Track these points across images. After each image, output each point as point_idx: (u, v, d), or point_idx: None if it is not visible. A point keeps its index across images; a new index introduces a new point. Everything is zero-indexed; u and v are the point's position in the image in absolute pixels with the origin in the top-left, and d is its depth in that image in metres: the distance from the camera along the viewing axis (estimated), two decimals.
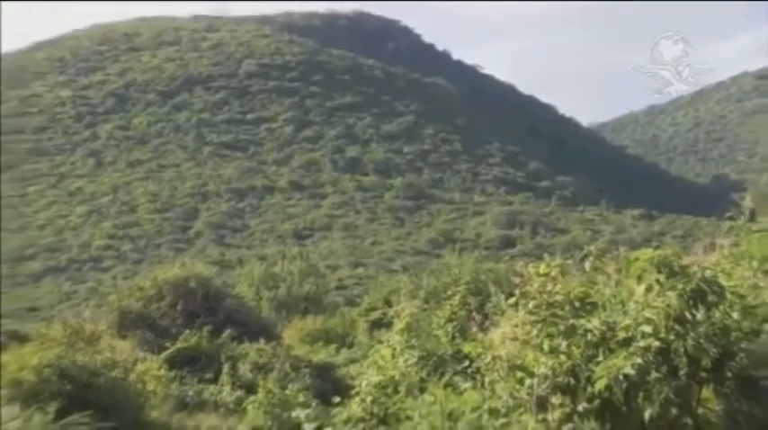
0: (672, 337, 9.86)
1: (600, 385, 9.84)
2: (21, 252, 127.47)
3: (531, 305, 10.75)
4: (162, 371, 41.59)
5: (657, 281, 10.18)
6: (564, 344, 10.31)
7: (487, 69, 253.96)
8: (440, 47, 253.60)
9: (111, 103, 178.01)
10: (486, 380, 12.01)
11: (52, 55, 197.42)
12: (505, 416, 11.17)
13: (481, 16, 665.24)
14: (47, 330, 42.28)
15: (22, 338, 42.07)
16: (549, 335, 10.43)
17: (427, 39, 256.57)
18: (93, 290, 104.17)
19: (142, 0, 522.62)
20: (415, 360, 14.84)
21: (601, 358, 10.04)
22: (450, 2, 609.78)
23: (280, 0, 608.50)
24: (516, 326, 11.31)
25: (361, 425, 13.41)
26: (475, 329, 14.74)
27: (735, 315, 10.12)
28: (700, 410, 10.03)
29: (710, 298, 10.02)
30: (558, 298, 10.63)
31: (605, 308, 10.50)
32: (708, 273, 10.31)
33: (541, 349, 10.46)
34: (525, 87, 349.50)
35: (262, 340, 48.90)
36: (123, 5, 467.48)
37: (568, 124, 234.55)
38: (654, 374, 9.81)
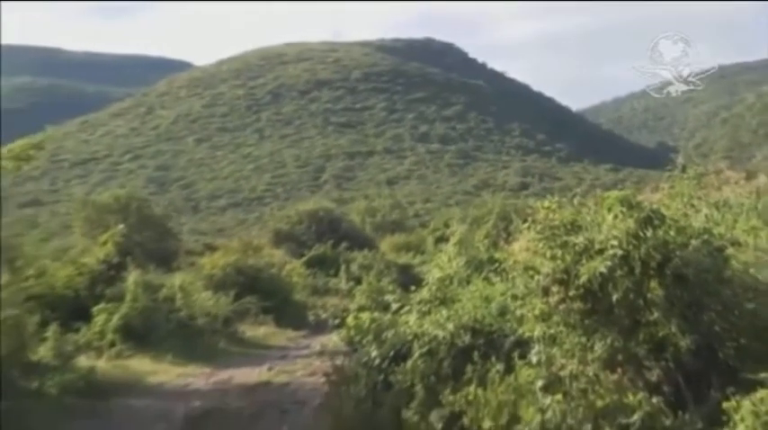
0: (630, 248, 9.78)
1: (584, 279, 9.80)
2: (213, 193, 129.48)
3: (538, 227, 10.70)
4: (302, 269, 42.20)
5: (621, 211, 10.12)
6: (560, 252, 10.25)
7: (511, 74, 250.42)
8: (480, 60, 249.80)
9: (269, 98, 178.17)
10: (510, 276, 12.04)
11: (231, 67, 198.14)
12: (522, 299, 11.17)
13: (506, 41, 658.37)
14: (229, 243, 42.90)
15: (213, 248, 42.81)
16: (550, 247, 10.36)
17: (471, 55, 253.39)
18: (259, 218, 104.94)
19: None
20: (463, 263, 14.85)
21: (584, 262, 9.98)
22: (485, 32, 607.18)
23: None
24: (529, 241, 11.27)
25: (428, 305, 13.45)
26: (502, 243, 14.69)
27: (671, 233, 10.04)
28: (648, 295, 9.97)
29: (655, 222, 9.95)
30: (556, 223, 10.57)
31: (587, 229, 10.40)
32: (654, 206, 10.28)
33: (545, 256, 10.41)
34: (536, 86, 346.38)
35: (365, 250, 49.33)
36: (276, 35, 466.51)
37: (563, 109, 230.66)
38: (618, 272, 9.74)
